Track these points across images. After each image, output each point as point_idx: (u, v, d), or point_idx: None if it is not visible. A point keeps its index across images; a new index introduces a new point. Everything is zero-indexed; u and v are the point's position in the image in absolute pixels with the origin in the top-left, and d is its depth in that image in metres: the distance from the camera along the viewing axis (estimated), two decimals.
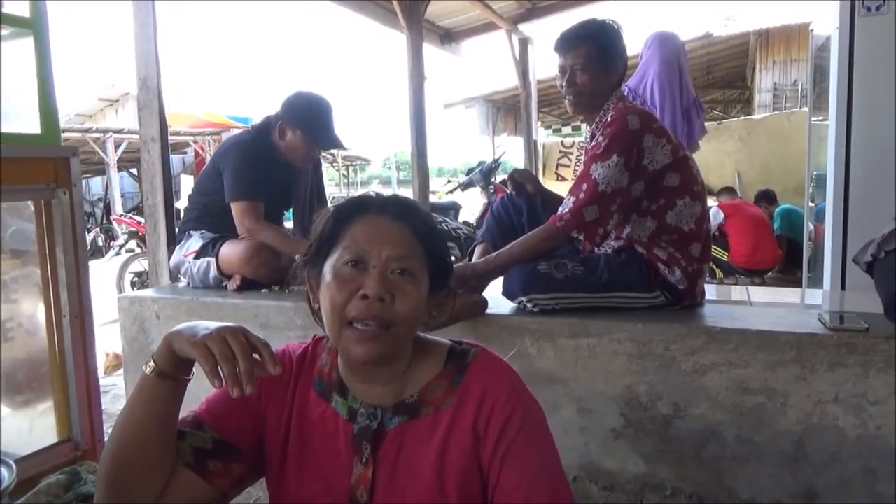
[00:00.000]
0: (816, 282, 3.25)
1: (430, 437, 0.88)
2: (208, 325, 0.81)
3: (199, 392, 0.98)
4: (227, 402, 0.93)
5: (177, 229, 2.67)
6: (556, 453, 0.88)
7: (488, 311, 1.86)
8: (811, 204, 3.84)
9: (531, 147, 7.85)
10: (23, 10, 1.37)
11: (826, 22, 2.97)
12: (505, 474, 0.84)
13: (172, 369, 0.83)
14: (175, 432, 0.87)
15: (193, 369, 0.85)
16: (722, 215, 5.38)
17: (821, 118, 3.33)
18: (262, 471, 0.96)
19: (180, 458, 0.87)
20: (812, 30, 3.58)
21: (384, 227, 0.89)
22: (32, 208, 1.36)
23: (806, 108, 4.52)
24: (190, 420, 0.91)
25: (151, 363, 0.84)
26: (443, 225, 5.20)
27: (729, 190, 6.58)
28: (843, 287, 2.71)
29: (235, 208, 2.31)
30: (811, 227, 3.94)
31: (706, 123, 3.49)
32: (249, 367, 0.77)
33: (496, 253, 1.88)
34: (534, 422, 0.88)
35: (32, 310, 1.41)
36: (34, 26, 1.37)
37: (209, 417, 0.91)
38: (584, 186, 1.78)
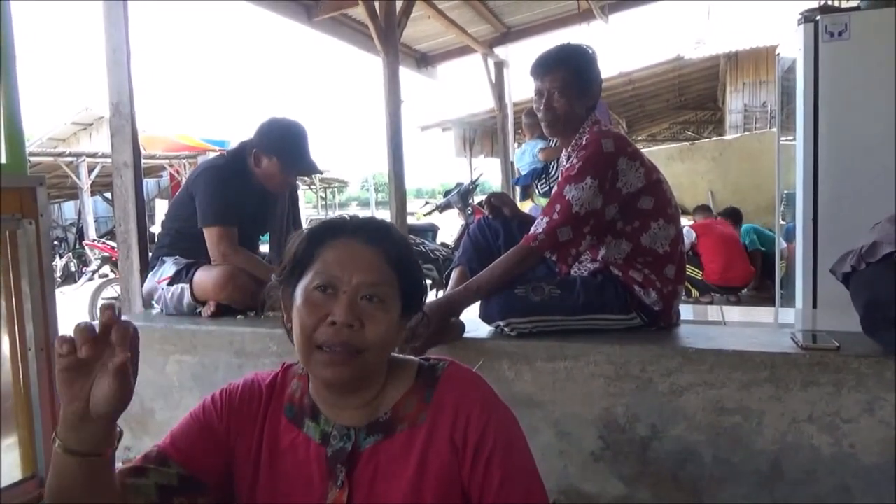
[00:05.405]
0: (789, 300, 3.29)
1: (408, 453, 0.88)
2: None
3: (172, 421, 0.96)
4: (192, 435, 0.91)
5: (150, 255, 2.63)
6: (529, 455, 0.90)
7: (465, 334, 1.86)
8: (782, 222, 3.90)
9: (508, 168, 7.91)
10: None
11: (791, 46, 3.05)
12: (487, 484, 0.85)
13: (78, 442, 0.74)
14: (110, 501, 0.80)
15: (117, 441, 0.78)
16: (694, 235, 5.46)
17: (789, 138, 3.40)
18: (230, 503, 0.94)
19: (143, 497, 0.84)
20: (778, 53, 3.66)
21: (356, 252, 0.89)
22: None
23: (775, 129, 4.62)
24: (154, 455, 0.88)
25: (56, 440, 0.75)
26: (421, 247, 5.19)
27: (704, 208, 6.68)
28: (814, 305, 2.75)
29: (209, 234, 2.28)
30: (783, 245, 4.01)
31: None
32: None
33: (474, 279, 1.86)
34: (508, 429, 0.90)
35: None
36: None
37: (174, 452, 0.89)
38: (558, 207, 1.79)
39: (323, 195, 20.76)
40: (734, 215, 6.19)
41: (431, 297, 3.85)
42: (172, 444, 0.89)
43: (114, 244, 6.85)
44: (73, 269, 10.30)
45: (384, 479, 0.88)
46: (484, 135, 11.96)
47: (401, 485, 0.87)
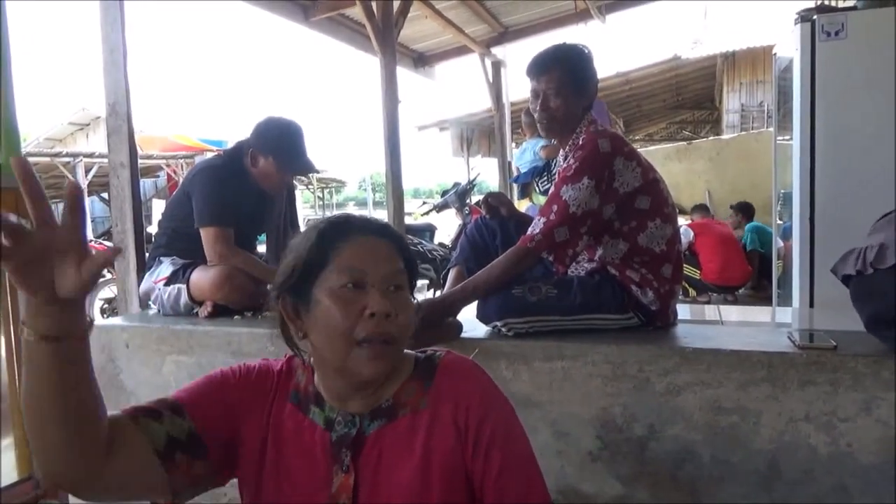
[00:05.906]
0: (786, 299, 3.30)
1: (412, 437, 0.90)
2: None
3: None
4: (208, 394, 0.93)
5: (147, 255, 2.62)
6: (528, 443, 0.92)
7: (463, 334, 1.85)
8: (779, 222, 3.91)
9: (505, 168, 7.91)
10: None
11: (788, 45, 3.06)
12: (487, 471, 0.87)
13: (49, 327, 0.71)
14: (93, 398, 0.78)
15: (89, 316, 0.75)
16: (692, 234, 5.47)
17: (786, 138, 3.41)
18: (218, 481, 0.94)
19: (151, 441, 0.84)
20: (775, 53, 3.67)
21: (373, 246, 0.92)
22: None
23: (772, 129, 4.63)
24: (170, 402, 0.88)
25: (25, 329, 0.72)
26: (418, 247, 5.20)
27: (702, 208, 6.70)
28: (811, 304, 2.75)
29: (205, 234, 2.27)
30: (780, 244, 4.01)
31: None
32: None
33: (471, 279, 1.86)
34: (507, 419, 0.92)
35: None
36: None
37: (189, 405, 0.89)
38: (555, 208, 1.79)
39: (320, 195, 20.75)
40: (745, 210, 6.20)
41: (429, 297, 3.85)
42: (189, 397, 0.90)
43: (110, 244, 6.84)
44: None
45: (389, 463, 0.89)
46: (481, 134, 11.95)
47: (406, 469, 0.88)
